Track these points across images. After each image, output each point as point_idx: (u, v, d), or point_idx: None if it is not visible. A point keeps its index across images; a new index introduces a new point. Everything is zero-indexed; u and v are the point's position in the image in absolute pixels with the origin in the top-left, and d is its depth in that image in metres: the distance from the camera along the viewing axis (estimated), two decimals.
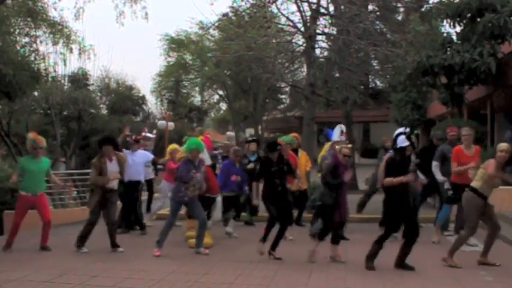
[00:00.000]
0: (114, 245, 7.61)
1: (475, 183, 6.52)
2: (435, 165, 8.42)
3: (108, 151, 7.60)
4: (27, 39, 16.33)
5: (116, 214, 8.09)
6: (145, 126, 16.73)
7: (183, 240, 8.08)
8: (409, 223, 6.29)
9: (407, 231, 6.29)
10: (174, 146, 9.85)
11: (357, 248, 7.47)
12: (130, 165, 8.63)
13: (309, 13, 14.52)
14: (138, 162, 9.22)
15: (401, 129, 6.66)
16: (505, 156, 6.34)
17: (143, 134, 11.18)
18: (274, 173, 7.13)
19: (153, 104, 34.49)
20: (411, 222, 6.30)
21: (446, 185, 8.21)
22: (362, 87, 21.38)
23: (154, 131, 14.72)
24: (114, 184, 7.68)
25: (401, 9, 18.34)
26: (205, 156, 7.94)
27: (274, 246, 7.00)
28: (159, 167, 11.60)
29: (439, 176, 8.38)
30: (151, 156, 9.91)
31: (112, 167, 7.60)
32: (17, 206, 7.79)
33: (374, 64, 18.48)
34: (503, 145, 6.49)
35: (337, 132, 9.07)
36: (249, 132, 33.46)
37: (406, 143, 6.35)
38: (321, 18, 15.35)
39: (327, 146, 9.44)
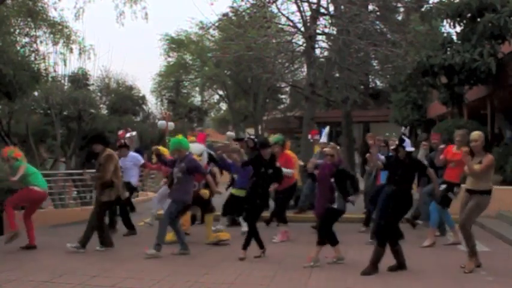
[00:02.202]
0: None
1: (489, 185, 6.21)
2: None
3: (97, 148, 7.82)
4: (27, 39, 16.34)
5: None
6: (146, 126, 16.45)
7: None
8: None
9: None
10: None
11: (357, 248, 7.48)
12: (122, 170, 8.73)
13: (309, 13, 14.47)
14: (128, 166, 9.33)
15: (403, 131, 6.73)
16: (479, 146, 6.17)
17: (127, 135, 10.82)
18: (262, 175, 7.03)
19: (153, 104, 34.38)
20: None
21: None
22: (362, 87, 21.33)
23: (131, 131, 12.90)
24: None
25: (402, 9, 18.30)
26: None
27: (245, 246, 6.93)
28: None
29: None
30: (141, 160, 9.65)
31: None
32: None
33: (374, 64, 18.44)
34: (474, 134, 6.29)
35: (323, 135, 9.16)
36: (249, 132, 33.42)
37: (412, 149, 6.42)
38: (321, 18, 15.30)
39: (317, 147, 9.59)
